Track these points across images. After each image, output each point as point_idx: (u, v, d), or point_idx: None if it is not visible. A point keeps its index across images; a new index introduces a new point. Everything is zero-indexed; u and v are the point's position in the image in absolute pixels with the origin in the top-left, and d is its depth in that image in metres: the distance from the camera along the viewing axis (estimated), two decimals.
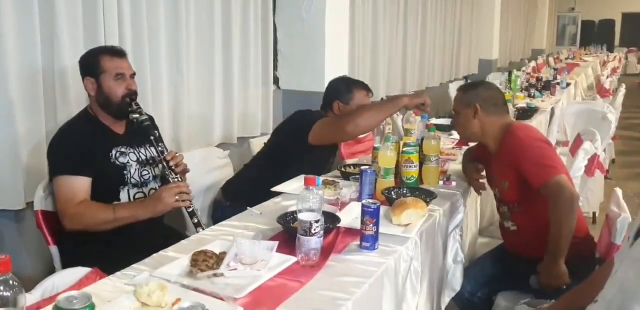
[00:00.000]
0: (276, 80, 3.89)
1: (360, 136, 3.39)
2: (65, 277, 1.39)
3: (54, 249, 1.98)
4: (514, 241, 2.14)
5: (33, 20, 2.23)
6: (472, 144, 2.52)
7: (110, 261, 1.53)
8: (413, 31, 5.89)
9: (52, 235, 1.97)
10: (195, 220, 1.99)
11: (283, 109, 3.91)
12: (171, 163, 2.01)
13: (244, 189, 2.43)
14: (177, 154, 2.06)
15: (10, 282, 0.99)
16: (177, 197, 1.92)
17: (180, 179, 2.01)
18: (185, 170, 2.09)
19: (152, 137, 2.01)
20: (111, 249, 1.86)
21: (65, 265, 1.93)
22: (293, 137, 2.40)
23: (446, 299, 2.10)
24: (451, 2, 6.92)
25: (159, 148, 2.02)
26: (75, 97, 2.36)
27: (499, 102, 2.14)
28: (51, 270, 1.89)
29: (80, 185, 1.90)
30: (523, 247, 2.06)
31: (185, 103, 3.03)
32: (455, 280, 2.09)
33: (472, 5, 7.74)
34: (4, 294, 0.98)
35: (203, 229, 1.94)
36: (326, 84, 3.76)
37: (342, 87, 2.58)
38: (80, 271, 1.41)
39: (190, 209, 1.99)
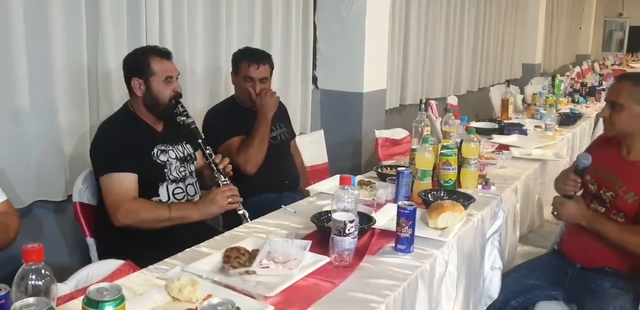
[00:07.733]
0: (314, 80, 3.88)
1: (398, 138, 3.36)
2: (99, 269, 1.39)
3: (90, 241, 2.01)
4: (590, 243, 1.93)
5: (80, 20, 2.27)
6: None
7: (143, 255, 1.54)
8: (454, 34, 5.79)
9: (89, 227, 2.01)
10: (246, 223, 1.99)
11: (321, 108, 3.90)
12: (220, 166, 2.02)
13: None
14: (223, 158, 2.07)
15: (43, 271, 1.00)
16: (230, 200, 1.94)
17: (229, 182, 2.01)
18: (229, 173, 2.07)
19: (199, 141, 2.02)
20: (145, 243, 1.87)
21: (101, 257, 1.95)
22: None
23: (482, 307, 2.03)
24: (494, 6, 6.78)
25: (207, 151, 2.02)
26: (118, 94, 2.40)
27: None
28: (87, 262, 1.92)
29: (129, 181, 1.91)
30: (596, 253, 1.90)
31: None
32: (493, 287, 2.02)
33: (516, 9, 7.59)
34: (36, 283, 0.99)
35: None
36: (365, 85, 3.77)
37: (234, 61, 2.53)
38: (113, 263, 1.42)
39: (241, 212, 2.00)
